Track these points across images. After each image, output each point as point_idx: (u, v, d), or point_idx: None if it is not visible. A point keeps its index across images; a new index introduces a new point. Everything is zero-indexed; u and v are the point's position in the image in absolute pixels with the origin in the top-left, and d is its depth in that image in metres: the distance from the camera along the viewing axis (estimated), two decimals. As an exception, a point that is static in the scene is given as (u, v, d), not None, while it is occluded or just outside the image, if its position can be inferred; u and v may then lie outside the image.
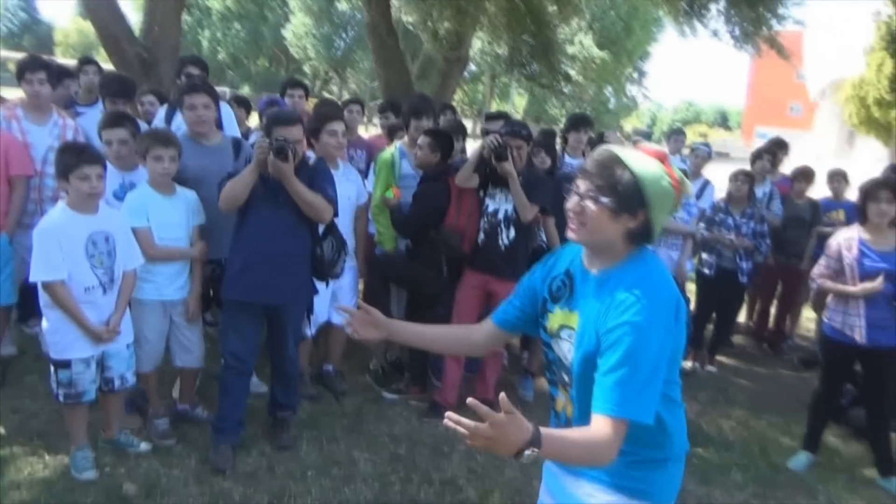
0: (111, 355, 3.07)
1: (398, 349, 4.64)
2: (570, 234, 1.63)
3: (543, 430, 1.38)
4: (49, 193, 4.01)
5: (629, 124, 52.04)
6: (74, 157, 2.85)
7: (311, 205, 3.18)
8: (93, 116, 4.45)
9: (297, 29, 36.68)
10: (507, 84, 32.49)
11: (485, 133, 4.75)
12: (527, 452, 1.35)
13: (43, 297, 2.90)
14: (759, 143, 8.55)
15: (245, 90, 37.59)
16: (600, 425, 1.49)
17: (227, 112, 4.69)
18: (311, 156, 3.62)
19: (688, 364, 5.16)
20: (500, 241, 3.93)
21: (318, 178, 3.24)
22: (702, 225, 5.09)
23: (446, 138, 4.15)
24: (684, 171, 4.92)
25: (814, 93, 31.57)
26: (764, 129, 42.87)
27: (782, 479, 3.71)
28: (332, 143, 3.71)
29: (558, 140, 5.29)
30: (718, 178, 5.99)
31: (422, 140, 4.07)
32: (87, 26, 34.69)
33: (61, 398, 2.99)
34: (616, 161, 1.57)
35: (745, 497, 3.49)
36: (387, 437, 3.74)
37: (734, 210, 5.12)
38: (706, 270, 5.10)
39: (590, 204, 1.57)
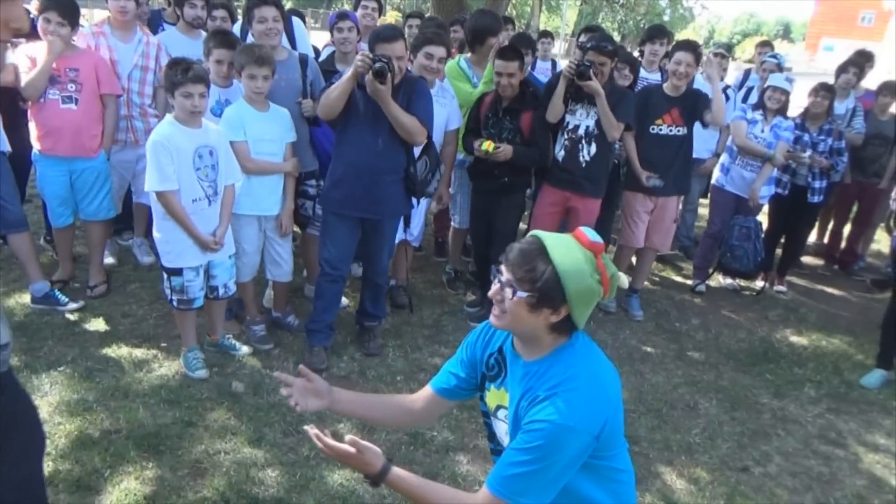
0: (216, 265, 3.25)
1: (468, 264, 4.79)
2: (492, 320, 1.61)
3: (395, 472, 1.57)
4: (136, 111, 4.14)
5: (685, 38, 49.40)
6: (181, 74, 2.92)
7: (406, 127, 3.20)
8: (172, 33, 4.52)
9: (341, -61, 35.39)
10: (559, -5, 31.16)
11: (581, 48, 4.61)
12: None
13: (157, 208, 3.06)
14: (824, 56, 8.08)
15: (288, 5, 36.85)
16: (482, 497, 1.55)
17: (299, 26, 4.69)
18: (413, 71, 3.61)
19: (758, 283, 5.17)
20: (580, 158, 3.92)
21: (417, 97, 3.25)
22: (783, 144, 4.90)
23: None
24: (785, 91, 4.70)
25: (890, 0, 29.42)
26: (831, 40, 40.42)
27: (856, 395, 3.77)
28: (426, 66, 3.67)
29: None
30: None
31: (511, 81, 3.80)
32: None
33: (174, 303, 3.21)
34: (540, 253, 1.51)
35: (819, 411, 3.57)
36: (466, 346, 3.90)
37: (811, 126, 4.95)
38: (779, 190, 5.00)
39: (509, 294, 1.53)
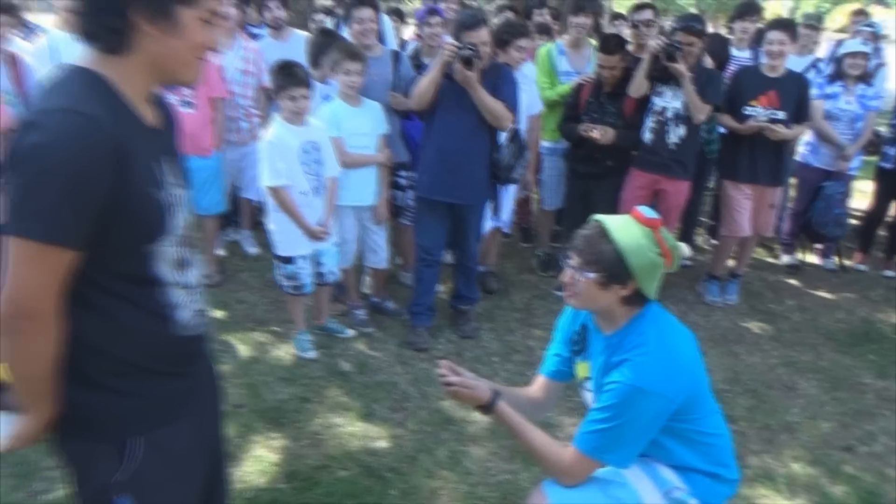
0: (323, 252, 3.48)
1: (562, 243, 4.87)
2: (566, 300, 1.77)
3: (502, 406, 1.78)
4: (241, 112, 4.43)
5: (768, 10, 46.96)
6: (285, 78, 3.16)
7: (493, 112, 3.33)
8: (266, 42, 4.78)
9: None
10: (632, -26, 30.29)
11: (634, 26, 4.62)
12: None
13: (270, 202, 3.31)
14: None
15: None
16: (570, 452, 1.73)
17: (386, 24, 4.88)
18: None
19: (851, 262, 5.00)
20: (668, 140, 3.93)
21: (503, 83, 3.37)
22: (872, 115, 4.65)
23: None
24: (865, 54, 4.51)
25: None
26: (933, 4, 37.46)
27: (967, 375, 3.64)
28: (516, 58, 3.87)
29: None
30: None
31: (613, 73, 3.98)
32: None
33: (287, 289, 3.46)
34: (602, 235, 1.67)
35: (926, 391, 3.47)
36: (558, 328, 3.99)
37: None
38: (887, 165, 4.80)
39: (580, 277, 1.69)
